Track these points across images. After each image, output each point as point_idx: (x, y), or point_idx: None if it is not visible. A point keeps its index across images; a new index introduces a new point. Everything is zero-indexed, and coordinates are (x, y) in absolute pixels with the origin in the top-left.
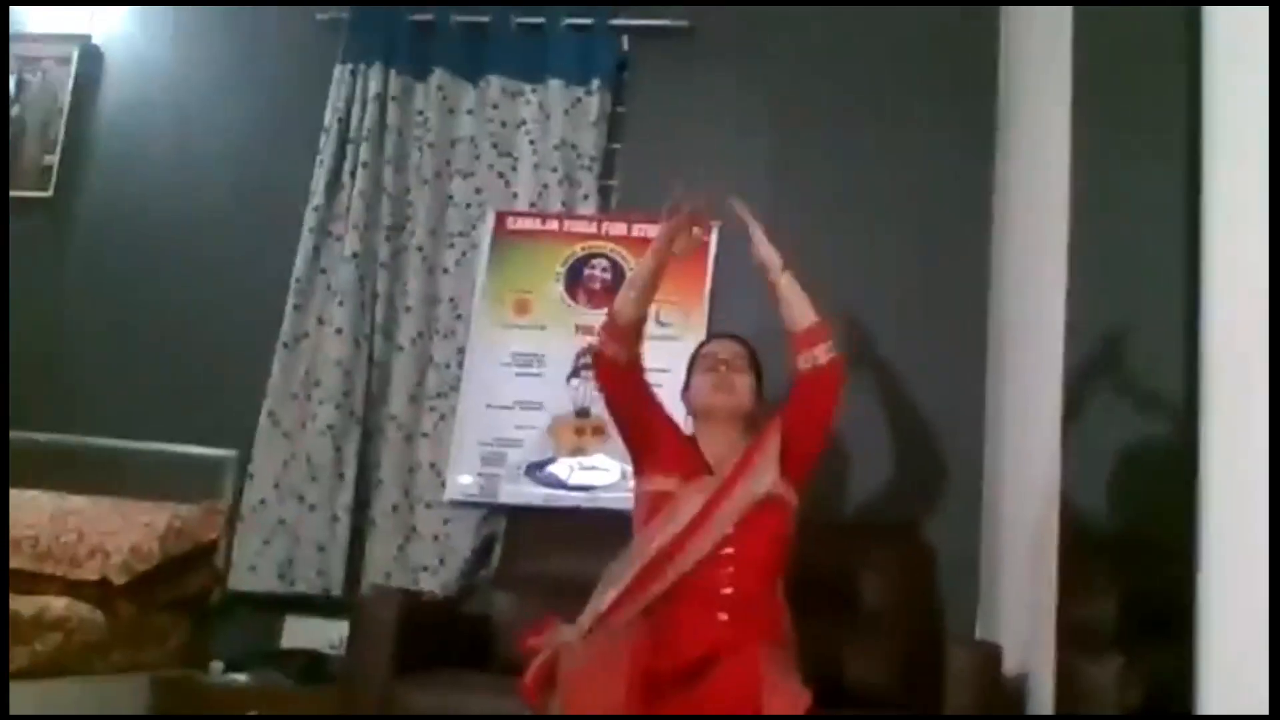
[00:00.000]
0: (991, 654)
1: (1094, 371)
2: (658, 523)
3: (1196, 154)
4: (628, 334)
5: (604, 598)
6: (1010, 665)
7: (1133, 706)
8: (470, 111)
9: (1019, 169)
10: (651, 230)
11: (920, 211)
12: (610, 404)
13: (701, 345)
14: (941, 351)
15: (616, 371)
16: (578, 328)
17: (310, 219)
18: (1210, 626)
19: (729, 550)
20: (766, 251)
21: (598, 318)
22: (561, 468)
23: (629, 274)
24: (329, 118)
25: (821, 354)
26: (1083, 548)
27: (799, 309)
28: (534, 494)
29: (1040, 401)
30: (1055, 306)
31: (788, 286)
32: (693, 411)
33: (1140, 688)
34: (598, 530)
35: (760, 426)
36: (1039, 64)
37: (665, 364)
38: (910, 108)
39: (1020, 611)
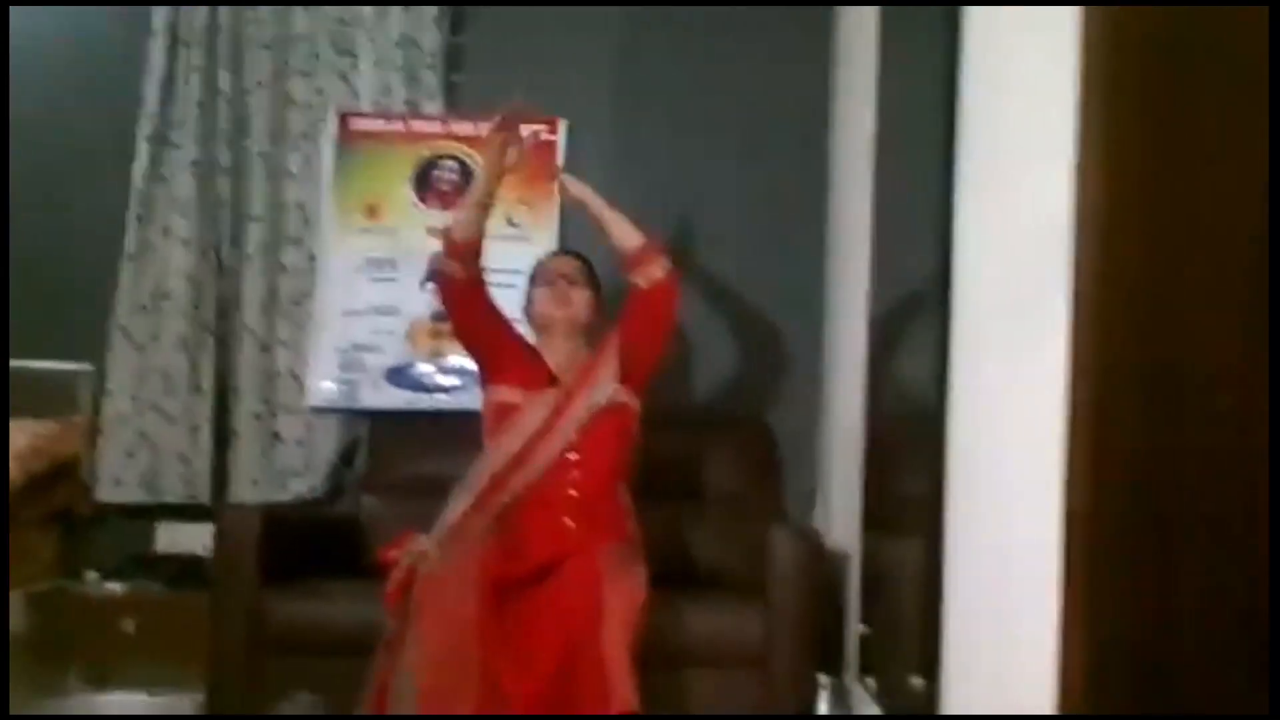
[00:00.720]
0: (811, 536)
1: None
2: (504, 434)
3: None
4: (466, 252)
5: (455, 508)
6: (833, 546)
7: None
8: (305, 9)
9: (853, 73)
10: None
11: (761, 107)
12: (453, 321)
13: (539, 262)
14: (784, 245)
15: (457, 289)
16: (430, 231)
17: (145, 127)
18: (955, 521)
19: (573, 456)
20: (578, 189)
21: (449, 220)
22: (422, 370)
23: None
24: (156, 20)
25: (656, 270)
26: (884, 440)
27: (624, 231)
28: (395, 398)
29: (857, 300)
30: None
31: (608, 214)
32: (533, 324)
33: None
34: (461, 431)
35: (601, 338)
36: None
37: (518, 265)
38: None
39: (842, 497)
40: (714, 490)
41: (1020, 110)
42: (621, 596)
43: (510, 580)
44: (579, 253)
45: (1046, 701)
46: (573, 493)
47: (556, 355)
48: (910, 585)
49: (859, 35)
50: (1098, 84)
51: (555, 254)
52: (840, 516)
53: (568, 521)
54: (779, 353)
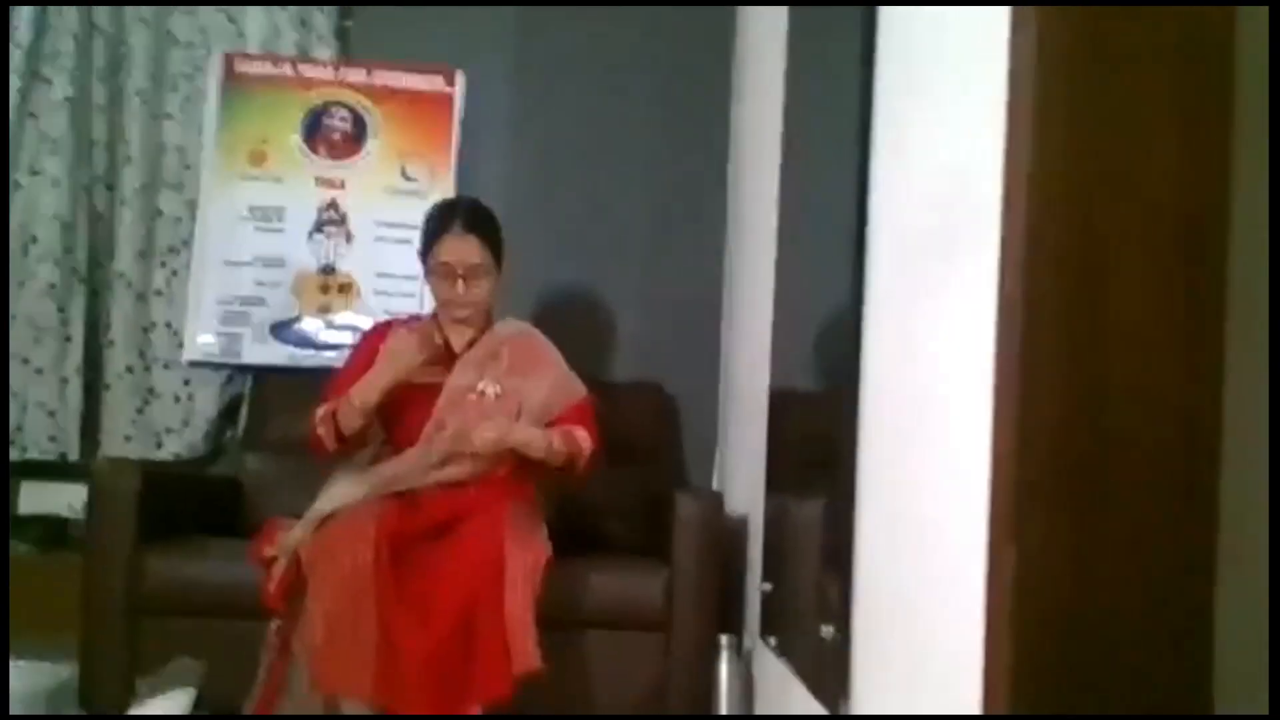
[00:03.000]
0: (713, 500)
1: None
2: (404, 429)
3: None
4: (348, 440)
5: (339, 495)
6: (733, 509)
7: (823, 533)
8: None
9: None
10: (394, 78)
11: (665, 59)
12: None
13: (435, 238)
14: (685, 211)
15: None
16: (319, 180)
17: (16, 59)
18: (869, 467)
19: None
20: (527, 438)
21: (340, 170)
22: (309, 325)
23: (355, 390)
24: None
25: (583, 462)
26: (785, 401)
27: (553, 454)
28: (279, 353)
29: (760, 264)
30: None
31: (535, 448)
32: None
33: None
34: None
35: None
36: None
37: (414, 220)
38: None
39: (744, 460)
40: (614, 454)
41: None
42: (524, 555)
43: (408, 536)
44: (477, 225)
45: (970, 648)
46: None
47: (460, 337)
48: (818, 538)
49: None
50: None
51: (450, 234)
52: (742, 478)
53: (470, 488)
54: (679, 317)
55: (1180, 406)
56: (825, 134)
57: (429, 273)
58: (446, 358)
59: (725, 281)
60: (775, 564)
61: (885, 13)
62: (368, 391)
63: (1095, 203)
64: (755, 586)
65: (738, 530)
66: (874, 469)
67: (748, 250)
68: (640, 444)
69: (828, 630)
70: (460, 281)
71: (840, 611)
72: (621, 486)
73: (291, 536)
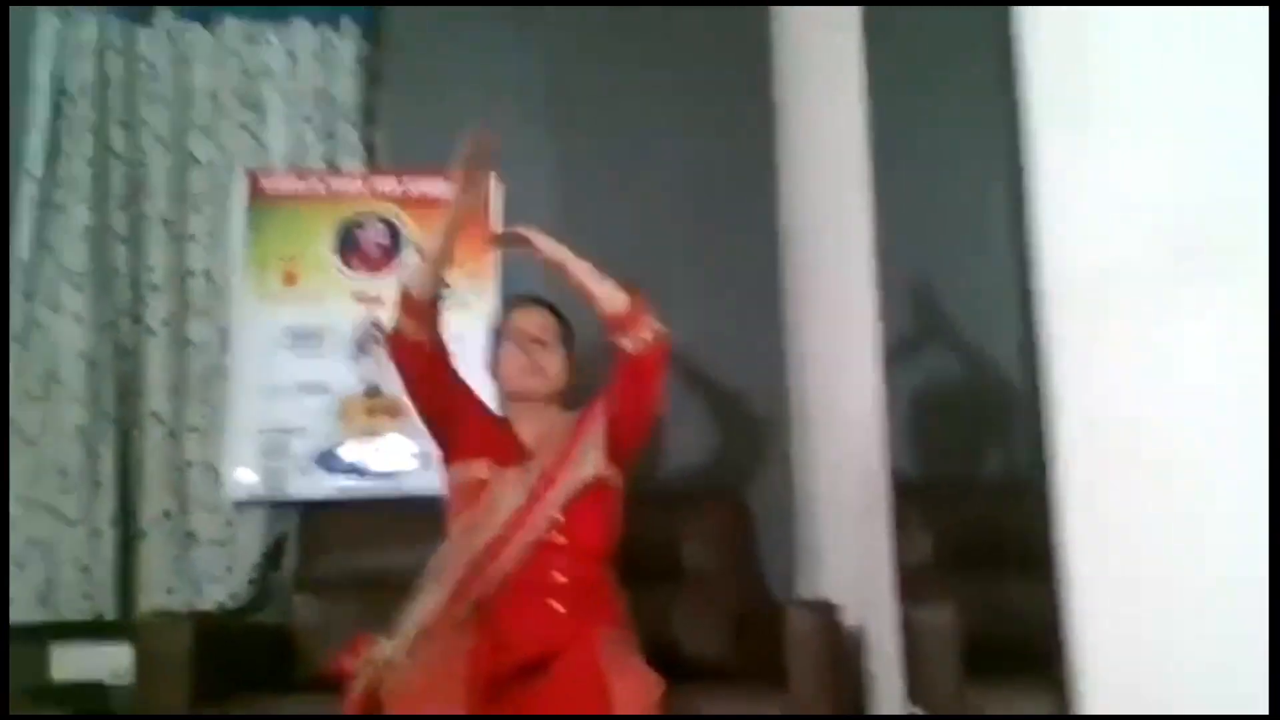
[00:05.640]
0: (829, 612)
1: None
2: (478, 514)
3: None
4: (426, 310)
5: (424, 605)
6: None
7: (981, 645)
8: (207, 59)
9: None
10: (428, 185)
11: (703, 166)
12: (411, 388)
13: (506, 316)
14: (737, 311)
15: (419, 353)
16: (356, 296)
17: (30, 190)
18: (1074, 558)
19: (559, 539)
20: (553, 250)
21: (378, 285)
22: (354, 453)
23: (419, 241)
24: (38, 74)
25: (644, 332)
26: (911, 492)
27: (607, 293)
28: (327, 485)
29: (850, 348)
30: (860, 255)
31: (588, 275)
32: (500, 388)
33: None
34: (401, 518)
35: (575, 400)
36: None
37: (457, 332)
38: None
39: (848, 564)
40: (692, 570)
41: None
42: (632, 691)
43: (498, 680)
44: (548, 303)
45: None
46: (560, 578)
47: (529, 425)
48: (1009, 646)
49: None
50: None
51: (522, 305)
52: (849, 585)
53: (556, 607)
54: (741, 417)
55: None
56: (949, 170)
57: (496, 350)
58: (516, 452)
59: (789, 370)
60: (926, 683)
61: (1027, 15)
62: (433, 240)
63: None
64: (889, 708)
65: (854, 642)
66: (1090, 549)
67: (824, 331)
68: (717, 554)
69: None
70: (534, 345)
71: None
72: (699, 605)
73: (381, 651)
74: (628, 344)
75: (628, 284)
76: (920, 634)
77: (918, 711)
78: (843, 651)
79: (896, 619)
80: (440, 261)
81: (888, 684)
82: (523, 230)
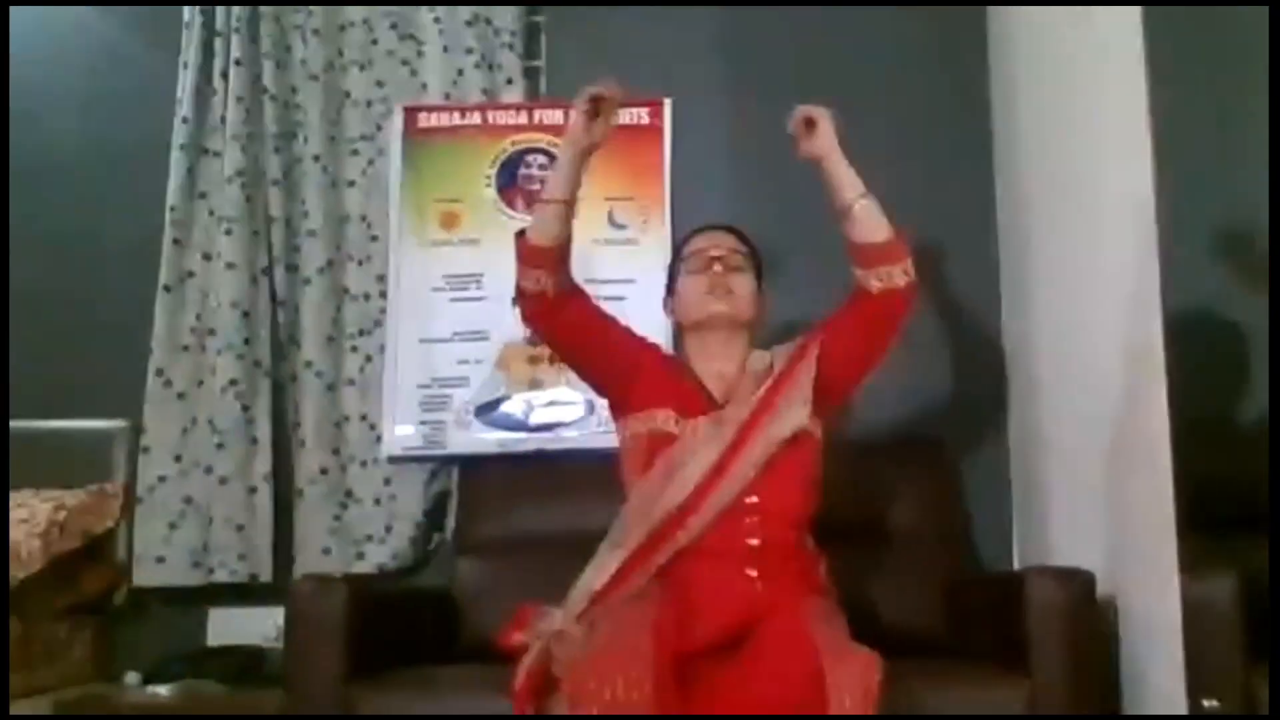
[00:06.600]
0: (1085, 582)
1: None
2: (661, 472)
3: None
4: (550, 257)
5: (602, 570)
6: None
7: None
8: None
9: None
10: None
11: (905, 103)
12: (553, 345)
13: (685, 240)
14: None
15: (546, 306)
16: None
17: (180, 133)
18: None
19: (753, 498)
20: (820, 145)
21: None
22: (517, 405)
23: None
24: (188, 10)
25: (898, 275)
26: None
27: (872, 216)
28: (488, 440)
29: (1104, 299)
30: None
31: (857, 190)
32: (681, 324)
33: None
34: (567, 475)
35: (759, 338)
36: None
37: (627, 274)
38: None
39: (1089, 530)
40: (898, 533)
41: None
42: (848, 668)
43: (690, 655)
44: (735, 227)
45: None
46: (755, 541)
47: (714, 363)
48: None
49: None
50: None
51: (706, 229)
52: (1094, 551)
53: (752, 573)
54: (954, 370)
55: None
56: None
57: (676, 280)
58: (700, 399)
59: (1002, 306)
60: (1221, 673)
61: None
62: (552, 181)
63: None
64: (1171, 704)
65: (1107, 618)
66: None
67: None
68: (928, 516)
69: None
70: (718, 266)
71: None
72: (902, 570)
73: (550, 621)
74: (875, 282)
75: (892, 219)
76: (1196, 612)
77: (1208, 703)
78: (1096, 629)
79: (1164, 592)
80: (560, 201)
81: (1155, 668)
82: (812, 111)
